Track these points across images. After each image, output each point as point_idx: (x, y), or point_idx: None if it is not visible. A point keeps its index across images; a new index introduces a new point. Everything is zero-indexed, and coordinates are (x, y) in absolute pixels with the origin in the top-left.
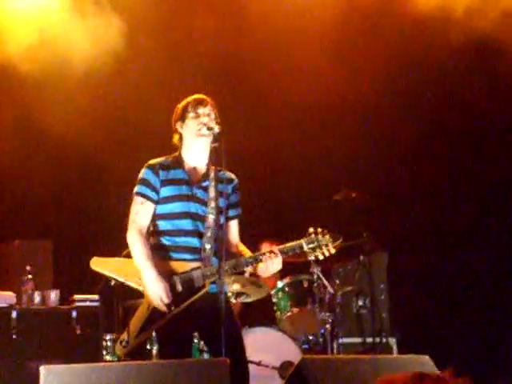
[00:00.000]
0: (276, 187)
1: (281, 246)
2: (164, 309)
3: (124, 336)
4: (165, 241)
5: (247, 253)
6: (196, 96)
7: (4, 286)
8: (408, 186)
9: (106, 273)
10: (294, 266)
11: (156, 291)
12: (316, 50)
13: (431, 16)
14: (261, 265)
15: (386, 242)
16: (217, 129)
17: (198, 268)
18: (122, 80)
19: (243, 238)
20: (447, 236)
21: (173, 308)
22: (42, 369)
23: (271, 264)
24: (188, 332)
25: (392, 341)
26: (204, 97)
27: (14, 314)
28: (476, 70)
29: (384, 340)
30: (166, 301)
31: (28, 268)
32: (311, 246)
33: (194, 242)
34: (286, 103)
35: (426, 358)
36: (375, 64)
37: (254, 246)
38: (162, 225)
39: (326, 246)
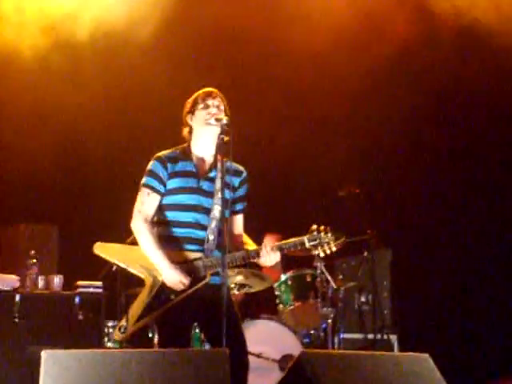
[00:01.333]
0: (282, 181)
1: (283, 242)
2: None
3: (123, 322)
4: (169, 231)
5: (250, 245)
6: (205, 89)
7: (8, 270)
8: (413, 183)
9: (109, 258)
10: (297, 260)
11: (174, 277)
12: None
13: None
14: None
15: (390, 238)
16: (225, 120)
17: (200, 259)
18: (133, 65)
19: (247, 228)
20: (451, 233)
21: (173, 297)
22: (44, 353)
23: (269, 258)
24: (187, 322)
25: (393, 338)
26: (213, 89)
27: (17, 298)
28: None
29: (385, 337)
30: (187, 282)
31: (32, 252)
32: (313, 243)
33: (197, 233)
34: (292, 97)
35: (426, 356)
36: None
37: (257, 238)
38: (167, 215)
39: (328, 244)
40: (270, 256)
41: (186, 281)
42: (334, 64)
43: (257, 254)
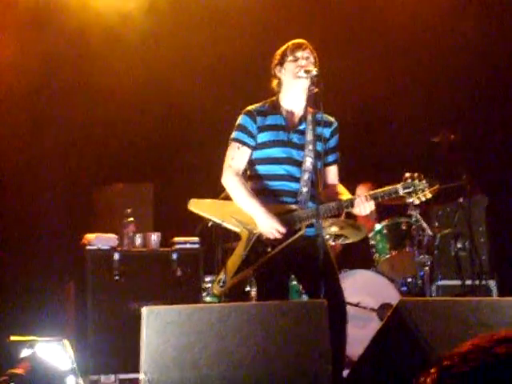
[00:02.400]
0: (374, 130)
1: (377, 191)
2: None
3: (221, 276)
4: (262, 185)
5: (345, 195)
6: (295, 40)
7: (107, 229)
8: (509, 129)
9: (204, 214)
10: (392, 209)
11: (270, 225)
12: None
13: None
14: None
15: (486, 184)
16: (315, 71)
17: (295, 210)
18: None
19: (340, 179)
20: None
21: (270, 249)
22: (144, 309)
23: (363, 208)
24: (285, 273)
25: (492, 283)
26: (303, 41)
27: (116, 256)
28: None
29: (483, 283)
30: (283, 230)
31: (129, 211)
32: (407, 190)
33: (290, 185)
34: (383, 45)
35: None
36: None
37: (350, 188)
38: (259, 169)
39: (423, 190)
40: (364, 205)
41: (282, 229)
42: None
43: (351, 203)
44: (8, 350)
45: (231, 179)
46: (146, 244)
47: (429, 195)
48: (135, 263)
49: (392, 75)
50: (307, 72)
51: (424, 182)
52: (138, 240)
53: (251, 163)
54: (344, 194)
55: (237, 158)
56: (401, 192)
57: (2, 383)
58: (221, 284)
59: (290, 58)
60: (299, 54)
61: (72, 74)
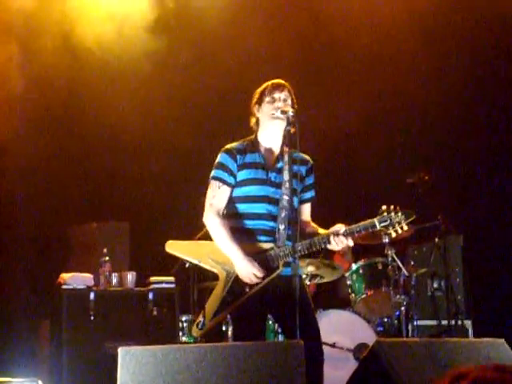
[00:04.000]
0: (350, 170)
1: (353, 226)
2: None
3: (200, 318)
4: (240, 223)
5: (320, 231)
6: (274, 81)
7: (82, 268)
8: (483, 169)
9: (181, 255)
10: (368, 249)
11: (247, 269)
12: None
13: None
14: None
15: (461, 224)
16: (291, 112)
17: (272, 249)
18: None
19: (314, 218)
20: None
21: (248, 289)
22: (120, 350)
23: (340, 242)
24: (262, 313)
25: (467, 323)
26: (281, 82)
27: (91, 296)
28: None
29: (459, 323)
30: (260, 275)
31: (105, 250)
32: (384, 224)
33: (268, 224)
34: (361, 88)
35: (502, 341)
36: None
37: (327, 228)
38: (237, 207)
39: (399, 223)
40: (340, 240)
41: (260, 273)
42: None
43: (327, 239)
44: None
45: (213, 219)
46: (122, 283)
47: (405, 227)
48: (111, 303)
49: (369, 116)
50: (284, 113)
51: (400, 214)
52: (114, 279)
53: (230, 201)
54: (318, 230)
55: (218, 196)
56: (378, 225)
57: None
58: (200, 326)
59: (268, 98)
60: (277, 95)
61: (42, 112)
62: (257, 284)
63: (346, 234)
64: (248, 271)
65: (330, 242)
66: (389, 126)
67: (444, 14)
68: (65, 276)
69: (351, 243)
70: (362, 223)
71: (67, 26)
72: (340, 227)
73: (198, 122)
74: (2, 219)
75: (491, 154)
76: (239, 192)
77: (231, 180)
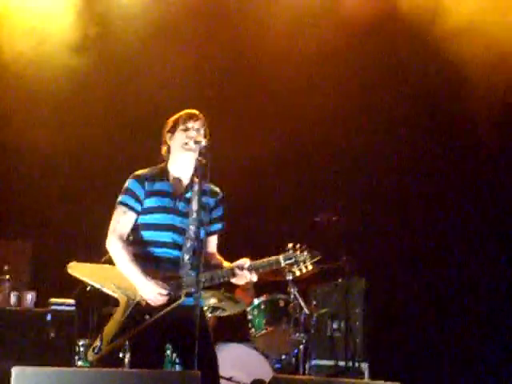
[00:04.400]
0: (257, 206)
1: (258, 261)
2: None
3: (97, 342)
4: (144, 250)
5: (225, 264)
6: (188, 110)
7: None
8: (389, 213)
9: (83, 278)
10: (271, 285)
11: (151, 289)
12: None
13: None
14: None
15: (365, 267)
16: (203, 143)
17: (175, 278)
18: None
19: (223, 253)
20: (423, 263)
21: (147, 317)
22: (14, 369)
23: (244, 277)
24: (161, 342)
25: (364, 366)
26: (195, 112)
27: None
28: None
29: (356, 364)
30: (166, 292)
31: (6, 268)
32: (289, 261)
33: (173, 253)
34: (276, 122)
35: None
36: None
37: (232, 261)
38: (142, 235)
39: (304, 262)
40: (244, 275)
41: (163, 291)
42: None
43: (232, 273)
44: None
45: (114, 244)
46: (21, 303)
47: (310, 267)
48: (8, 322)
49: (283, 151)
50: (196, 143)
51: (306, 253)
52: (13, 298)
53: (135, 228)
54: (224, 263)
55: (122, 222)
56: (282, 263)
57: None
58: (96, 351)
59: (181, 127)
60: (190, 124)
61: None
62: (157, 312)
63: (250, 269)
64: (151, 290)
65: (234, 276)
66: (301, 162)
67: (360, 50)
68: None
69: (255, 278)
70: (267, 259)
71: None
72: (245, 261)
73: (114, 142)
74: None
75: (399, 197)
76: (145, 219)
77: (137, 206)
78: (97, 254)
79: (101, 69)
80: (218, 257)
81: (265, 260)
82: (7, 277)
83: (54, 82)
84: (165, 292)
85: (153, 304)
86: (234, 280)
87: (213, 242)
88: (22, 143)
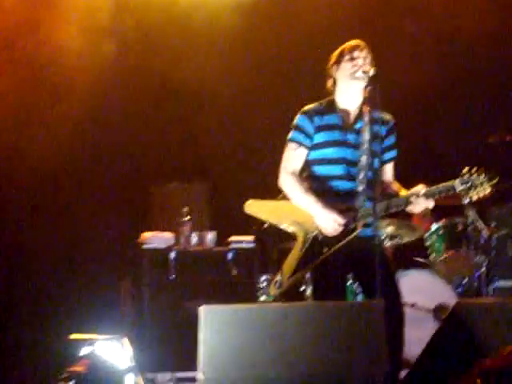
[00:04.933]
0: (429, 130)
1: (433, 187)
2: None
3: (277, 277)
4: (318, 185)
5: (401, 192)
6: (352, 42)
7: (163, 228)
8: None
9: (260, 216)
10: (448, 208)
11: (328, 216)
12: None
13: None
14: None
15: None
16: (372, 71)
17: (352, 209)
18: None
19: (398, 180)
20: None
21: (326, 250)
22: (202, 308)
23: (419, 205)
24: (342, 273)
25: None
26: (360, 41)
27: (172, 255)
28: None
29: None
30: (342, 221)
31: (186, 209)
32: (464, 186)
33: (346, 185)
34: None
35: None
36: None
37: (408, 188)
38: (315, 170)
39: (482, 185)
40: (420, 202)
41: (341, 220)
42: None
43: (407, 201)
44: (68, 349)
45: (286, 179)
46: (202, 243)
47: (488, 189)
48: (191, 262)
49: (446, 73)
50: (365, 72)
51: (483, 176)
52: (194, 239)
53: (307, 164)
54: (401, 191)
55: (293, 158)
56: (458, 188)
57: (62, 380)
58: (277, 285)
59: (347, 57)
60: (356, 54)
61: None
62: (336, 244)
63: (425, 196)
64: (329, 218)
65: (410, 204)
66: (470, 81)
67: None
68: (146, 235)
69: (431, 205)
70: (442, 185)
71: None
72: (420, 188)
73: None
74: (86, 180)
75: None
76: (316, 154)
77: (308, 142)
78: (274, 191)
79: None
80: (395, 185)
81: (440, 186)
82: (187, 218)
83: None
84: (342, 221)
85: (330, 234)
86: (410, 208)
87: (388, 170)
88: (198, 85)
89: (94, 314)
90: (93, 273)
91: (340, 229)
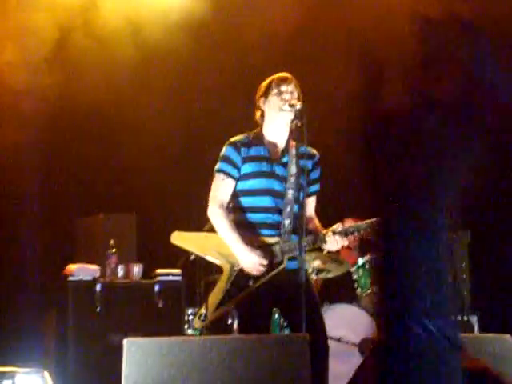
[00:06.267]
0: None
1: (348, 226)
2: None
3: (202, 310)
4: (244, 217)
5: (321, 228)
6: (280, 74)
7: (89, 260)
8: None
9: (187, 247)
10: (375, 243)
11: (252, 259)
12: None
13: None
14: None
15: (468, 220)
16: (299, 105)
17: (277, 243)
18: None
19: (326, 214)
20: None
21: (251, 283)
22: (126, 341)
23: (333, 244)
24: (267, 307)
25: (473, 319)
26: (288, 75)
27: (98, 287)
28: None
29: (465, 318)
30: (265, 262)
31: (112, 242)
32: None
33: (273, 217)
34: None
35: (508, 337)
36: None
37: (336, 222)
38: (242, 201)
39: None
40: (334, 241)
41: (264, 261)
42: None
43: (324, 239)
44: None
45: (215, 211)
46: (129, 275)
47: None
48: (117, 295)
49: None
50: (291, 106)
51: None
52: (120, 271)
53: (234, 195)
54: (319, 227)
55: (221, 189)
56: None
57: None
58: (202, 318)
59: (275, 90)
60: (284, 87)
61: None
62: (261, 278)
63: (339, 234)
64: (252, 261)
65: (325, 242)
66: None
67: None
68: (71, 267)
69: (345, 242)
70: (356, 224)
71: None
72: (336, 227)
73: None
74: (10, 211)
75: None
76: (243, 185)
77: (235, 173)
78: (200, 223)
79: None
80: (315, 222)
81: (354, 224)
82: (114, 250)
83: None
84: (264, 262)
85: (253, 273)
86: (325, 246)
87: (311, 205)
88: (119, 117)
89: (16, 346)
90: (17, 304)
91: (262, 269)
